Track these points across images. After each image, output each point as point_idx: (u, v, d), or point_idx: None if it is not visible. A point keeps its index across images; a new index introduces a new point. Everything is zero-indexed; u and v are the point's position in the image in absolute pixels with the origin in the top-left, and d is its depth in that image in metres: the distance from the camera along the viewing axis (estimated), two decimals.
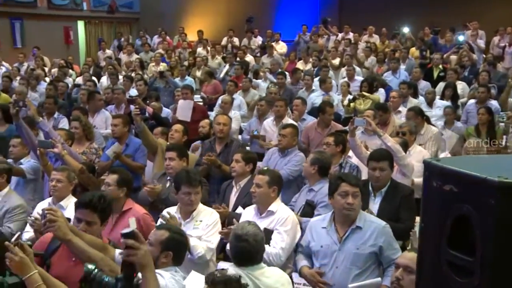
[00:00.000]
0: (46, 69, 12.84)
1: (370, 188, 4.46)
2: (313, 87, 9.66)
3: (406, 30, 14.86)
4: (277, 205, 4.16)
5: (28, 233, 4.25)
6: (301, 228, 4.12)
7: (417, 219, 3.89)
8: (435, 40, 13.43)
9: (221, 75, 11.78)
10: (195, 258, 3.82)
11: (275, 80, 10.10)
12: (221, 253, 4.32)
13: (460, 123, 7.75)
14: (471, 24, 13.01)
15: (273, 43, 14.16)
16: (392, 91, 8.28)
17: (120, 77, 10.63)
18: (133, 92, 9.34)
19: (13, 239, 2.67)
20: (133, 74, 10.81)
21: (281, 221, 4.01)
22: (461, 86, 9.50)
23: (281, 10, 18.77)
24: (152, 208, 4.68)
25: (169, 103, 9.17)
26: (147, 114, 7.24)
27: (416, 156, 5.46)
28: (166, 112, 8.32)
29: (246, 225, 3.33)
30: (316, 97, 9.04)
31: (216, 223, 4.07)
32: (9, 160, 5.59)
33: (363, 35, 15.07)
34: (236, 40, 15.34)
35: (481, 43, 12.70)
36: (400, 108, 7.79)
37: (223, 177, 5.49)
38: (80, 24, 17.73)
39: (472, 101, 8.39)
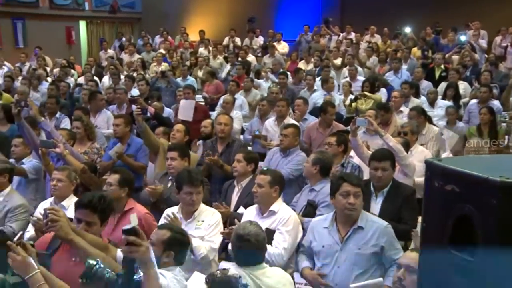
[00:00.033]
0: (48, 69, 12.86)
1: (372, 188, 4.46)
2: (315, 87, 9.66)
3: (408, 30, 14.84)
4: (279, 205, 4.16)
5: (30, 232, 4.25)
6: (303, 228, 4.12)
7: (419, 219, 3.89)
8: (437, 40, 13.42)
9: (223, 75, 11.79)
10: (198, 259, 3.82)
11: (276, 80, 10.10)
12: (222, 252, 4.32)
13: (462, 123, 7.74)
14: (473, 24, 12.99)
15: (275, 43, 14.15)
16: (394, 91, 8.27)
17: (122, 77, 10.63)
18: (135, 92, 9.34)
19: (15, 239, 2.68)
20: (134, 74, 10.81)
21: (283, 221, 4.01)
22: (463, 86, 9.49)
23: (282, 10, 18.76)
24: (153, 208, 4.68)
25: (171, 103, 9.17)
26: (148, 114, 7.23)
27: (418, 156, 5.45)
28: (167, 112, 8.32)
29: (248, 225, 3.33)
30: (318, 97, 9.03)
31: (218, 223, 4.07)
32: (11, 160, 5.60)
33: (365, 35, 15.06)
34: (237, 40, 15.34)
35: (483, 43, 12.67)
36: (402, 108, 7.79)
37: (224, 177, 5.49)
38: (82, 24, 17.76)
39: (474, 101, 8.38)
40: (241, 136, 7.75)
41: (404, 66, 11.33)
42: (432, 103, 8.41)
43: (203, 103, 9.49)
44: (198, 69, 12.04)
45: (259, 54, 14.34)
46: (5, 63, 13.01)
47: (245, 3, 17.97)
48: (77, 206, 3.27)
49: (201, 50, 14.37)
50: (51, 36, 15.64)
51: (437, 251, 1.63)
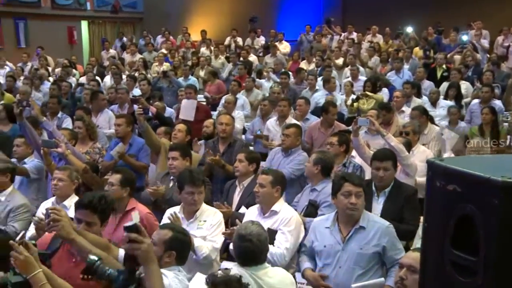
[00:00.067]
0: (50, 69, 12.87)
1: (374, 188, 4.45)
2: (317, 87, 9.66)
3: (409, 30, 14.83)
4: (281, 205, 4.16)
5: (31, 231, 4.25)
6: (305, 228, 4.12)
7: (421, 219, 3.88)
8: (439, 40, 13.41)
9: (225, 75, 11.79)
10: (200, 259, 3.83)
11: (278, 80, 10.10)
12: (224, 252, 4.32)
13: (464, 123, 7.73)
14: (475, 24, 12.97)
15: (277, 43, 14.15)
16: (396, 91, 8.26)
17: (124, 76, 10.64)
18: (137, 91, 9.35)
19: (17, 238, 2.68)
20: (136, 74, 10.82)
21: (284, 221, 4.01)
22: (464, 86, 9.48)
23: (284, 10, 18.75)
24: (155, 207, 4.69)
25: (173, 103, 9.18)
26: (150, 114, 7.24)
27: (420, 156, 5.45)
28: (169, 111, 8.33)
29: (250, 225, 3.32)
30: (319, 97, 9.04)
31: (220, 223, 4.07)
32: (13, 160, 5.60)
33: (367, 34, 15.05)
34: (239, 40, 15.34)
35: (485, 42, 12.66)
36: (404, 108, 7.78)
37: (226, 176, 5.50)
38: (84, 24, 17.78)
39: (475, 101, 8.38)
40: (243, 136, 7.76)
41: (406, 66, 11.32)
42: (434, 103, 8.40)
43: (204, 103, 9.49)
44: (200, 69, 12.04)
45: (261, 54, 14.34)
46: (7, 63, 13.03)
47: (247, 3, 17.97)
48: (77, 206, 3.27)
49: (203, 50, 14.38)
50: (53, 36, 15.67)
51: (438, 251, 1.63)
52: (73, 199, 4.35)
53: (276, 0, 19.03)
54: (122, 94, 8.49)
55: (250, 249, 3.18)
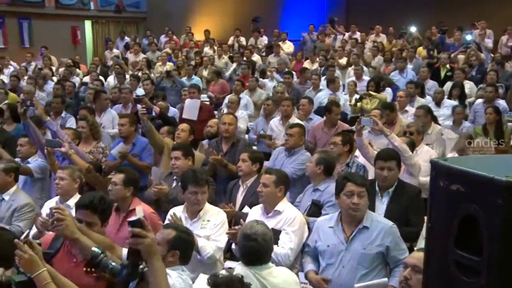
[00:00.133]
0: (54, 68, 12.90)
1: (377, 188, 4.45)
2: (320, 87, 9.65)
3: (413, 29, 14.81)
4: (284, 205, 4.15)
5: (34, 230, 4.26)
6: (309, 228, 4.11)
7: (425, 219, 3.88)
8: (443, 40, 13.38)
9: (228, 74, 11.80)
10: (204, 259, 3.83)
11: (281, 80, 10.10)
12: (227, 252, 4.32)
13: (468, 123, 7.71)
14: (479, 24, 12.94)
15: (280, 43, 14.15)
16: (399, 91, 8.25)
17: (127, 76, 10.66)
18: (140, 91, 9.36)
19: (22, 237, 2.69)
20: (140, 74, 10.83)
21: (288, 221, 4.01)
22: (468, 85, 9.46)
23: (288, 9, 18.76)
24: (158, 207, 4.70)
25: (176, 103, 9.19)
26: (153, 114, 7.26)
27: (423, 156, 5.44)
28: (172, 111, 8.34)
29: (255, 224, 3.31)
30: (323, 97, 9.02)
31: (224, 223, 4.08)
32: (17, 159, 5.62)
33: (370, 34, 15.04)
34: (243, 40, 15.34)
35: (489, 42, 12.63)
36: (407, 108, 7.77)
37: (230, 176, 5.50)
38: (87, 24, 17.81)
39: (479, 100, 8.36)
40: (246, 136, 7.76)
41: (410, 66, 11.31)
42: (438, 102, 8.38)
43: (208, 103, 9.50)
44: (203, 69, 12.06)
45: (263, 54, 14.34)
46: (11, 62, 13.08)
47: (250, 3, 17.98)
48: (78, 206, 3.27)
49: (206, 49, 14.39)
50: (56, 36, 15.71)
51: (442, 251, 1.63)
52: (77, 198, 4.35)
53: None
54: (125, 94, 8.50)
55: (255, 248, 3.18)
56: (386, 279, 3.58)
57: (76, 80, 11.43)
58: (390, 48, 13.48)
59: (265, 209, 4.18)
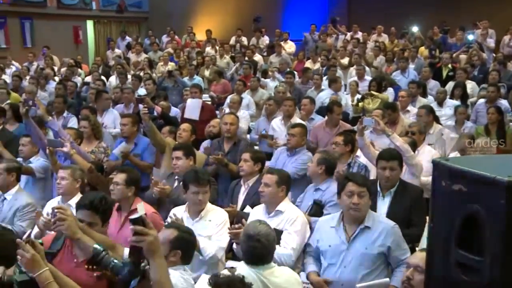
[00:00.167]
0: (56, 68, 12.91)
1: (378, 188, 4.44)
2: (322, 87, 9.65)
3: (415, 29, 14.79)
4: (286, 205, 4.15)
5: (35, 229, 4.26)
6: (311, 228, 4.11)
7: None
8: (444, 39, 13.36)
9: (230, 74, 11.80)
10: (206, 259, 3.83)
11: (283, 80, 10.09)
12: (229, 252, 4.32)
13: (470, 123, 7.70)
14: (481, 23, 12.92)
15: (282, 43, 14.15)
16: (401, 91, 8.24)
17: (129, 76, 10.67)
18: (142, 91, 9.37)
19: (24, 237, 2.69)
20: (141, 74, 10.84)
21: (290, 221, 4.00)
22: (470, 85, 9.44)
23: (289, 9, 18.75)
24: (159, 207, 4.70)
25: (178, 102, 9.19)
26: (155, 113, 7.26)
27: (425, 156, 5.44)
28: (174, 111, 8.34)
29: (258, 224, 3.31)
30: (325, 97, 9.01)
31: (226, 223, 4.07)
32: (19, 159, 5.62)
33: (372, 34, 15.02)
34: (244, 40, 15.34)
35: (491, 42, 12.60)
36: (409, 108, 7.76)
37: (231, 176, 5.50)
38: (89, 24, 17.82)
39: (481, 100, 8.34)
40: (248, 136, 7.75)
41: (411, 66, 11.29)
42: (441, 102, 8.36)
43: (209, 103, 9.50)
44: (205, 69, 12.05)
45: (265, 54, 14.34)
46: (13, 62, 13.09)
47: (252, 3, 17.98)
48: (79, 207, 3.27)
49: (208, 49, 14.39)
50: (58, 36, 15.72)
51: (444, 250, 1.63)
52: (79, 198, 4.36)
53: None
54: (127, 94, 8.50)
55: (258, 249, 3.18)
56: (387, 279, 3.58)
57: (78, 80, 11.44)
58: (392, 48, 13.47)
59: (267, 209, 4.18)
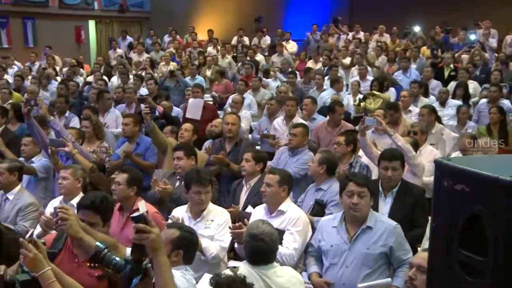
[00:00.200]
0: (57, 68, 12.92)
1: (380, 188, 4.43)
2: (324, 86, 9.65)
3: (417, 29, 14.78)
4: (288, 205, 4.15)
5: (38, 229, 4.27)
6: (313, 228, 4.11)
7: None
8: (446, 39, 13.36)
9: (231, 74, 11.81)
10: (209, 259, 3.83)
11: (285, 79, 10.09)
12: (230, 252, 4.32)
13: (472, 123, 7.69)
14: (483, 23, 12.91)
15: (283, 42, 14.15)
16: (403, 91, 8.23)
17: (131, 76, 10.67)
18: (144, 91, 9.37)
19: (26, 236, 2.70)
20: (143, 73, 10.85)
21: (292, 221, 4.00)
22: (472, 85, 9.43)
23: (291, 9, 18.75)
24: (161, 207, 4.70)
25: (179, 102, 9.20)
26: (157, 113, 7.26)
27: (427, 156, 5.43)
28: (176, 111, 8.34)
29: (261, 224, 3.30)
30: (326, 96, 9.01)
31: (228, 223, 4.07)
32: (21, 159, 5.63)
33: (374, 34, 15.01)
34: (246, 40, 15.34)
35: (493, 42, 12.59)
36: (411, 108, 7.75)
37: (233, 176, 5.50)
38: (91, 24, 17.84)
39: (483, 100, 8.33)
40: (250, 135, 7.76)
41: (413, 66, 11.29)
42: (443, 102, 8.35)
43: (211, 103, 9.50)
44: (207, 69, 12.06)
45: (266, 53, 14.34)
46: (15, 62, 13.10)
47: (254, 2, 17.98)
48: (80, 206, 3.26)
49: (210, 49, 14.40)
50: (60, 36, 15.74)
51: (447, 251, 1.63)
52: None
53: None
54: (129, 94, 8.52)
55: (262, 248, 3.18)
56: (389, 279, 3.57)
57: (80, 79, 11.45)
58: (393, 48, 13.46)
59: (269, 209, 4.18)
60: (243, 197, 4.93)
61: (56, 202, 4.50)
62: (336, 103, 7.00)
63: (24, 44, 15.62)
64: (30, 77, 10.93)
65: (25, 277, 2.60)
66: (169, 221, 4.05)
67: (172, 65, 11.96)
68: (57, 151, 5.29)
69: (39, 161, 5.66)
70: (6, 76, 10.93)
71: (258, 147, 6.63)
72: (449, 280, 1.63)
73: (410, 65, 10.94)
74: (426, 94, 8.76)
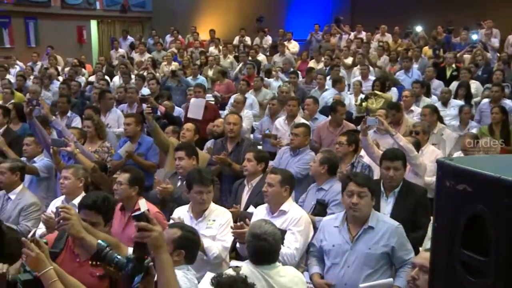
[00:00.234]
0: (59, 68, 12.94)
1: (382, 188, 4.43)
2: (326, 86, 9.65)
3: (419, 29, 14.77)
4: (289, 205, 4.15)
5: (41, 229, 4.28)
6: (315, 227, 4.11)
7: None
8: (448, 39, 13.34)
9: (233, 74, 11.81)
10: (211, 259, 3.83)
11: (287, 79, 10.09)
12: (232, 252, 4.32)
13: (475, 123, 7.68)
14: (485, 23, 12.89)
15: (285, 42, 14.15)
16: (405, 90, 8.23)
17: (132, 76, 10.68)
18: (145, 91, 9.38)
19: (29, 236, 2.70)
20: (145, 73, 10.86)
21: (294, 221, 4.00)
22: (474, 85, 9.42)
23: (293, 9, 18.75)
24: (163, 207, 4.70)
25: (181, 102, 9.20)
26: (159, 113, 7.27)
27: (429, 156, 5.42)
28: (178, 111, 8.35)
29: (264, 224, 3.30)
30: (328, 96, 9.01)
31: (229, 223, 4.07)
32: (23, 159, 5.64)
33: (376, 34, 15.02)
34: (248, 39, 15.34)
35: (495, 42, 12.57)
36: (413, 108, 7.75)
37: (235, 176, 5.50)
38: (93, 24, 17.86)
39: (485, 100, 8.32)
40: (251, 135, 7.76)
41: (415, 65, 11.28)
42: (445, 102, 8.35)
43: (213, 102, 9.51)
44: (209, 68, 12.06)
45: (268, 54, 14.34)
46: (17, 62, 13.13)
47: (256, 2, 17.98)
48: (81, 206, 3.26)
49: (211, 49, 14.40)
50: (62, 36, 15.76)
51: (449, 251, 1.62)
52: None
53: None
54: (131, 94, 8.52)
55: (266, 248, 3.18)
56: (391, 279, 3.57)
57: (82, 79, 11.46)
58: (395, 48, 13.46)
59: (270, 209, 4.18)
60: (244, 197, 4.93)
61: (58, 201, 4.51)
62: (338, 103, 7.00)
63: (26, 44, 15.65)
64: (32, 77, 10.94)
65: (27, 276, 2.61)
66: (171, 221, 4.05)
67: (174, 65, 11.97)
68: (59, 151, 5.30)
69: (41, 161, 5.67)
70: (8, 76, 10.95)
71: (259, 147, 6.63)
72: (451, 280, 1.63)
73: (412, 65, 10.93)
74: (428, 94, 8.75)
